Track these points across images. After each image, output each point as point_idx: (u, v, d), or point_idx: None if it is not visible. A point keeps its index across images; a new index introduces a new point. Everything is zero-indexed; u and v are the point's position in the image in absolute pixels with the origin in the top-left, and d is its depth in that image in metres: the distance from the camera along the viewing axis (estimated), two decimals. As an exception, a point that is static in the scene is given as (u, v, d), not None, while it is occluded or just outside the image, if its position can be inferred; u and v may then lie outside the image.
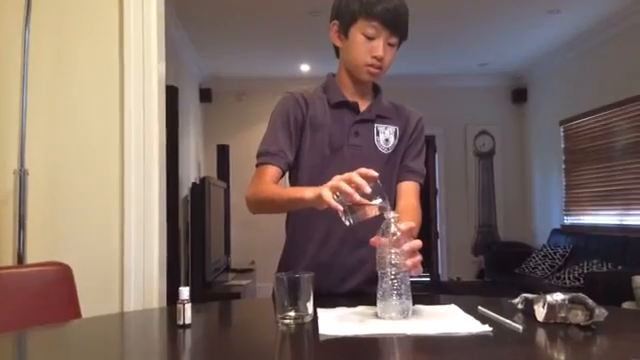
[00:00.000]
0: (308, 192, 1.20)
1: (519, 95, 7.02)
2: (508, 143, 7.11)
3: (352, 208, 1.11)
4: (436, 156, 7.15)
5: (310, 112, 1.48)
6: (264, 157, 1.44)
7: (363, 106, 1.51)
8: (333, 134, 1.47)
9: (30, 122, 1.94)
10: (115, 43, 2.07)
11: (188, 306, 1.12)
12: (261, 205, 1.41)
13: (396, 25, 1.40)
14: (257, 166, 1.46)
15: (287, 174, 1.50)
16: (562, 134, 6.11)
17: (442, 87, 6.89)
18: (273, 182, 1.41)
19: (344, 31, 1.45)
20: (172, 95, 3.78)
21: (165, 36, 2.21)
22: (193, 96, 6.22)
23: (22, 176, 1.91)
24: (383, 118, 1.51)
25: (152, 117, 2.08)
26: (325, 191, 1.12)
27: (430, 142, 7.08)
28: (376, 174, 1.13)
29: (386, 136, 1.50)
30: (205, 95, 6.71)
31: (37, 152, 2.00)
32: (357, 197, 1.09)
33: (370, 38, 1.40)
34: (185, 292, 1.13)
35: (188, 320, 1.12)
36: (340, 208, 1.10)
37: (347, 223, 1.12)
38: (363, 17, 1.39)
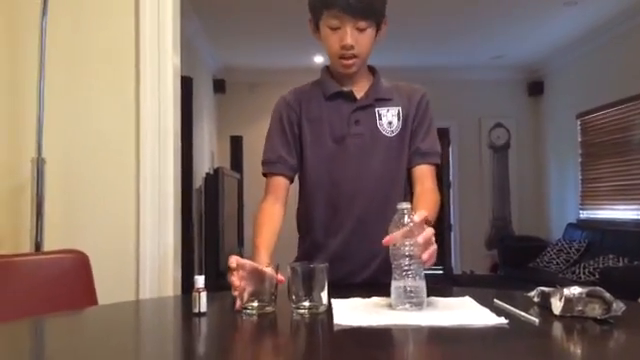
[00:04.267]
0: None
1: (535, 88, 6.95)
2: (524, 136, 7.05)
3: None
4: (450, 148, 7.10)
5: (304, 108, 1.48)
6: (265, 167, 1.50)
7: (360, 93, 1.48)
8: (333, 125, 1.46)
9: (48, 111, 1.96)
10: (131, 34, 2.08)
11: (203, 294, 1.13)
12: None
13: (358, 9, 1.35)
14: (264, 175, 1.52)
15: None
16: (579, 127, 6.05)
17: (456, 79, 6.84)
18: (280, 196, 1.47)
19: (317, 27, 1.44)
20: (187, 86, 3.79)
21: (180, 27, 2.21)
22: (207, 87, 6.23)
23: (39, 164, 1.92)
24: (383, 100, 1.47)
25: (167, 107, 2.09)
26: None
27: (444, 134, 7.03)
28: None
29: (389, 119, 1.46)
30: (219, 86, 6.72)
31: (54, 141, 2.02)
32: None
33: (336, 28, 1.38)
34: (200, 281, 1.14)
35: (203, 308, 1.12)
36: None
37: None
38: (325, 10, 1.38)
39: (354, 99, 1.47)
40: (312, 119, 1.47)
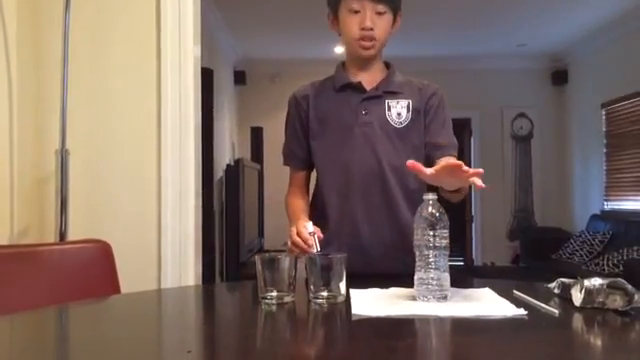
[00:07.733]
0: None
1: (559, 77, 6.82)
2: (547, 126, 6.94)
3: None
4: (472, 139, 7.03)
5: (312, 102, 1.53)
6: (284, 160, 1.63)
7: (372, 84, 1.51)
8: (342, 116, 1.49)
9: (71, 104, 1.99)
10: (152, 26, 2.10)
11: (316, 237, 1.31)
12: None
13: None
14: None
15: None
16: (604, 117, 5.94)
17: (478, 69, 6.75)
18: (299, 185, 1.59)
19: (335, 16, 1.49)
20: (207, 77, 3.81)
21: (201, 18, 2.22)
22: (228, 78, 6.26)
23: (63, 156, 1.96)
24: (393, 93, 1.50)
25: (188, 99, 2.10)
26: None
27: (465, 125, 6.96)
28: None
29: (398, 110, 1.49)
30: (239, 77, 6.74)
31: (78, 133, 2.05)
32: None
33: (356, 12, 1.43)
34: (310, 226, 1.34)
35: (319, 247, 1.29)
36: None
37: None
38: None
39: (363, 90, 1.50)
40: (321, 111, 1.52)
